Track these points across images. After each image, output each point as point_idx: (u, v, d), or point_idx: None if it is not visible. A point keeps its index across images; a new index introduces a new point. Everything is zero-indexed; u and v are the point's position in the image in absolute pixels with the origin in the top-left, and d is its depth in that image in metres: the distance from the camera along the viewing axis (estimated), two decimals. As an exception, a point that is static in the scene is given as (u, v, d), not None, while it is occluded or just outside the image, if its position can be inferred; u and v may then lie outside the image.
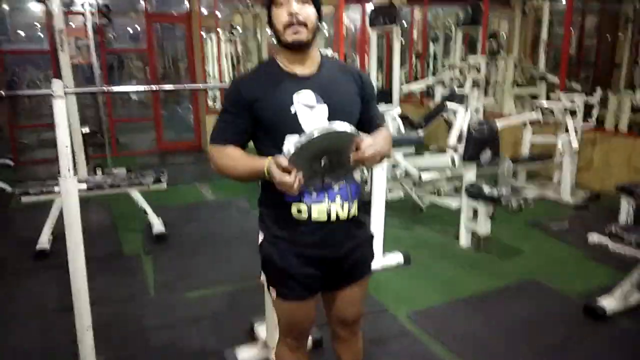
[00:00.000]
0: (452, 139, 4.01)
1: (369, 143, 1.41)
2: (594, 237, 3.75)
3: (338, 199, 1.50)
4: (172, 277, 3.35)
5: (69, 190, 1.97)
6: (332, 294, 1.69)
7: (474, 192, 3.63)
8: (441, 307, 2.94)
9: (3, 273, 3.43)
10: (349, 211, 1.53)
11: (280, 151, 1.40)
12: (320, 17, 1.49)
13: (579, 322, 2.77)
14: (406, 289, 3.16)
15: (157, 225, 4.02)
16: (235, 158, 1.50)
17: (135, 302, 3.03)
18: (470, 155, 3.71)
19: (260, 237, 1.62)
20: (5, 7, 6.80)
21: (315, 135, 1.32)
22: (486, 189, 3.58)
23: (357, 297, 1.71)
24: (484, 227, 3.67)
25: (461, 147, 3.79)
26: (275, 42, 1.50)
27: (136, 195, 3.96)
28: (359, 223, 1.61)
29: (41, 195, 3.38)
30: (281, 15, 1.43)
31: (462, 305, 2.98)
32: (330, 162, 1.41)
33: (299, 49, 1.46)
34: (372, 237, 1.72)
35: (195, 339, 2.64)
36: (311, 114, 1.47)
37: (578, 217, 4.45)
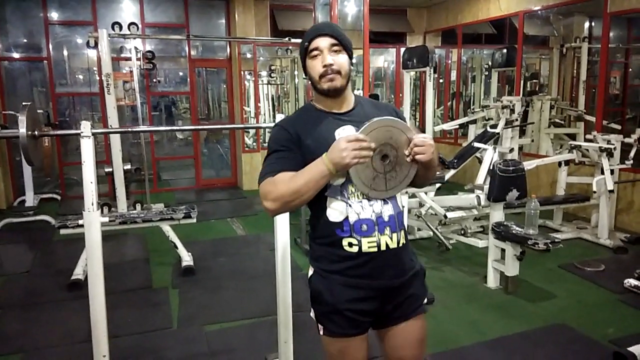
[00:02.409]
0: (479, 178, 3.98)
1: (423, 136, 1.45)
2: (631, 282, 3.60)
3: (387, 230, 1.52)
4: (195, 311, 3.42)
5: (92, 224, 2.08)
6: (388, 332, 1.63)
7: (501, 232, 3.56)
8: (464, 349, 2.86)
9: (38, 302, 3.61)
10: (398, 241, 1.54)
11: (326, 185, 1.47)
12: (351, 61, 1.57)
13: (609, 371, 2.64)
14: (428, 330, 3.09)
15: (186, 259, 4.13)
16: (287, 177, 1.45)
17: (157, 334, 3.11)
18: (496, 195, 3.66)
19: (310, 272, 1.63)
20: (65, 53, 7.33)
21: (375, 120, 1.42)
22: (513, 229, 3.51)
23: (415, 335, 1.63)
24: (511, 268, 3.57)
25: (487, 187, 3.75)
26: (312, 88, 1.59)
27: (167, 229, 4.10)
28: (408, 252, 1.61)
29: (77, 227, 3.57)
30: (317, 66, 1.52)
31: (486, 348, 2.89)
32: (389, 158, 1.46)
33: (335, 94, 1.54)
34: (423, 271, 1.68)
35: (211, 372, 2.67)
36: None
37: (615, 261, 4.26)
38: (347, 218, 1.50)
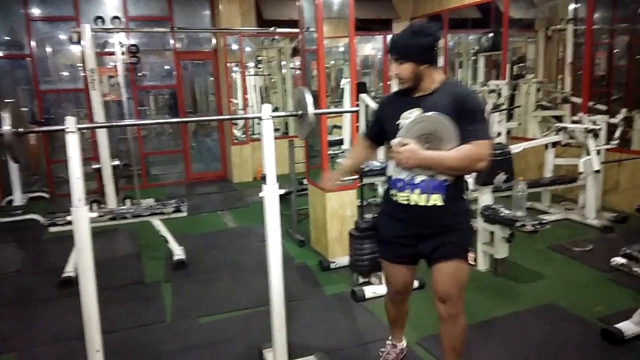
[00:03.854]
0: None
1: (407, 148, 1.88)
2: (618, 260, 3.65)
3: (417, 190, 1.97)
4: (188, 304, 3.43)
5: (80, 220, 2.07)
6: (432, 269, 2.09)
7: (489, 216, 3.60)
8: (454, 332, 2.89)
9: (30, 300, 3.60)
10: (427, 200, 1.96)
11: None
12: (418, 61, 1.94)
13: (597, 347, 2.69)
14: (419, 314, 3.12)
15: (178, 252, 4.13)
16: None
17: (151, 328, 3.12)
18: (484, 178, 3.69)
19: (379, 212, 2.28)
20: (48, 49, 7.24)
21: (417, 114, 1.93)
22: (501, 212, 3.54)
23: (447, 273, 2.04)
24: (500, 250, 3.61)
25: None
26: None
27: (157, 223, 4.09)
28: (444, 211, 1.97)
29: (66, 225, 3.56)
30: (390, 70, 2.01)
31: (476, 329, 2.92)
32: (429, 143, 1.89)
33: (405, 89, 2.02)
34: (464, 227, 2.07)
35: (206, 363, 2.69)
36: None
37: (603, 240, 4.32)
38: (391, 175, 2.07)
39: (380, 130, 2.15)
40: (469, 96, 1.95)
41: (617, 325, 2.72)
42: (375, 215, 2.29)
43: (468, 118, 1.89)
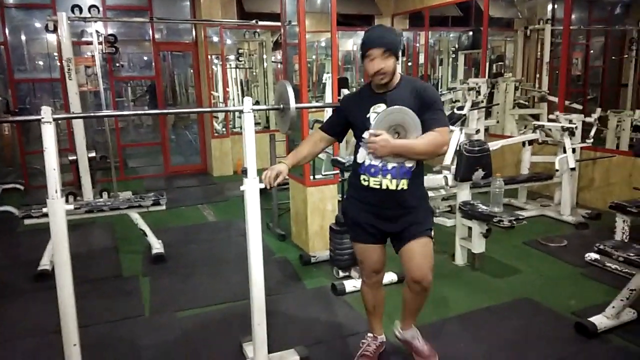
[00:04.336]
0: (446, 159, 4.05)
1: (381, 138, 1.99)
2: (592, 255, 3.75)
3: (389, 176, 2.13)
4: (167, 298, 3.40)
5: (56, 212, 2.03)
6: (401, 250, 2.25)
7: (467, 211, 3.65)
8: (431, 325, 2.92)
9: (4, 294, 3.52)
10: (397, 185, 2.13)
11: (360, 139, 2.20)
12: (397, 57, 2.09)
13: (571, 340, 2.75)
14: (398, 307, 3.16)
15: (156, 246, 4.09)
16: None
17: (129, 322, 3.08)
18: (463, 174, 3.74)
19: (345, 196, 2.42)
20: (22, 37, 7.06)
21: (383, 107, 2.11)
22: (479, 208, 3.60)
23: (418, 253, 2.21)
24: (478, 245, 3.67)
25: (454, 167, 3.82)
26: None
27: (135, 217, 4.04)
28: (408, 194, 2.17)
29: (42, 217, 3.49)
30: (370, 68, 2.07)
31: (452, 323, 2.97)
32: (398, 133, 2.06)
33: (381, 86, 2.13)
34: (430, 210, 2.32)
35: (185, 357, 2.68)
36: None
37: (577, 236, 4.42)
38: (364, 162, 2.17)
39: (342, 125, 2.31)
40: (428, 89, 2.15)
41: (591, 319, 2.80)
42: (342, 202, 2.39)
43: (429, 108, 2.08)
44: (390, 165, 2.13)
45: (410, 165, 2.15)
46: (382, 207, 2.21)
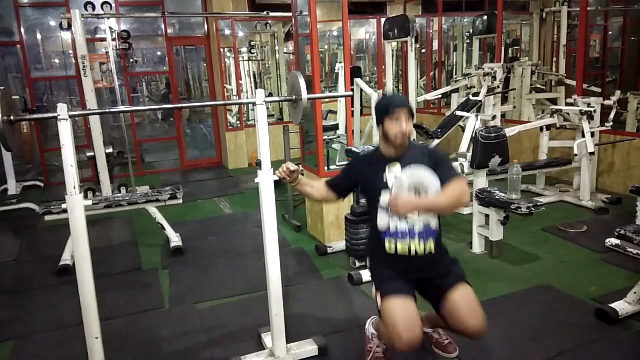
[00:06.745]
0: (462, 146, 4.01)
1: (404, 198, 1.99)
2: (612, 241, 3.69)
3: (417, 238, 2.09)
4: (186, 290, 3.44)
5: (75, 207, 2.06)
6: (443, 305, 2.11)
7: (484, 199, 3.61)
8: (450, 314, 2.92)
9: (28, 288, 3.61)
10: (424, 248, 2.10)
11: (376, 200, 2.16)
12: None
13: (592, 327, 2.72)
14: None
15: (175, 239, 4.14)
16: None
17: (149, 314, 3.13)
18: (479, 162, 3.69)
19: (368, 263, 2.39)
20: (38, 36, 7.14)
21: (398, 168, 2.13)
22: (496, 195, 3.56)
23: (466, 300, 2.09)
24: (496, 233, 3.64)
25: (470, 154, 3.78)
26: (383, 137, 2.16)
27: (153, 211, 4.09)
28: (437, 256, 2.15)
29: (62, 213, 3.55)
30: (394, 128, 2.08)
31: (471, 312, 2.95)
32: (419, 193, 2.06)
33: (400, 146, 2.13)
34: (455, 260, 2.28)
35: (205, 348, 2.71)
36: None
37: (597, 221, 4.35)
38: (388, 228, 2.12)
39: (347, 186, 2.37)
40: (435, 149, 2.31)
41: (612, 305, 2.76)
42: (369, 266, 2.37)
43: (442, 165, 2.12)
44: (417, 229, 2.10)
45: (435, 226, 2.14)
46: (411, 270, 2.15)
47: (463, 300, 2.09)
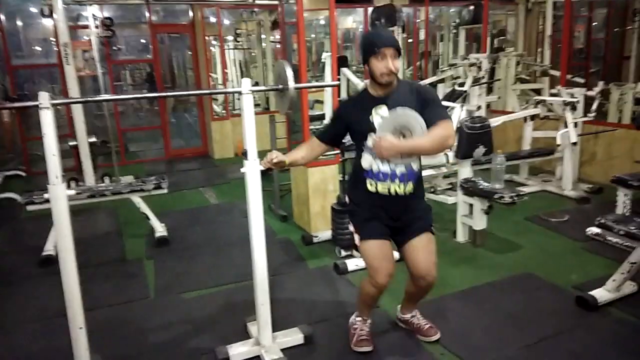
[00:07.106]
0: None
1: (387, 140, 1.99)
2: (593, 230, 3.74)
3: (397, 180, 2.16)
4: (171, 280, 3.43)
5: (58, 197, 2.04)
6: (405, 246, 2.28)
7: (468, 188, 3.65)
8: (433, 302, 2.94)
9: (10, 279, 3.56)
10: (404, 189, 2.18)
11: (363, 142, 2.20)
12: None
13: (572, 314, 2.78)
14: (400, 284, 3.18)
15: (159, 229, 4.12)
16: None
17: (134, 304, 3.12)
18: (464, 151, 3.73)
19: (347, 200, 2.41)
20: (19, 23, 7.00)
21: (385, 109, 2.13)
22: (479, 185, 3.60)
23: (423, 249, 2.26)
24: (479, 222, 3.68)
25: (455, 144, 3.80)
26: (370, 77, 2.15)
27: (138, 201, 4.06)
28: (414, 197, 2.24)
29: (45, 203, 3.51)
30: (380, 67, 2.06)
31: (454, 299, 3.00)
32: (404, 135, 2.05)
33: (387, 86, 2.13)
34: (428, 207, 2.37)
35: (191, 337, 2.71)
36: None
37: (579, 211, 4.43)
38: (371, 168, 2.19)
39: (339, 133, 2.33)
40: (425, 87, 2.26)
41: (591, 293, 2.82)
42: (348, 203, 2.41)
43: (429, 105, 2.10)
44: (398, 171, 2.16)
45: (416, 167, 2.21)
46: (389, 209, 2.24)
47: (422, 247, 2.26)
